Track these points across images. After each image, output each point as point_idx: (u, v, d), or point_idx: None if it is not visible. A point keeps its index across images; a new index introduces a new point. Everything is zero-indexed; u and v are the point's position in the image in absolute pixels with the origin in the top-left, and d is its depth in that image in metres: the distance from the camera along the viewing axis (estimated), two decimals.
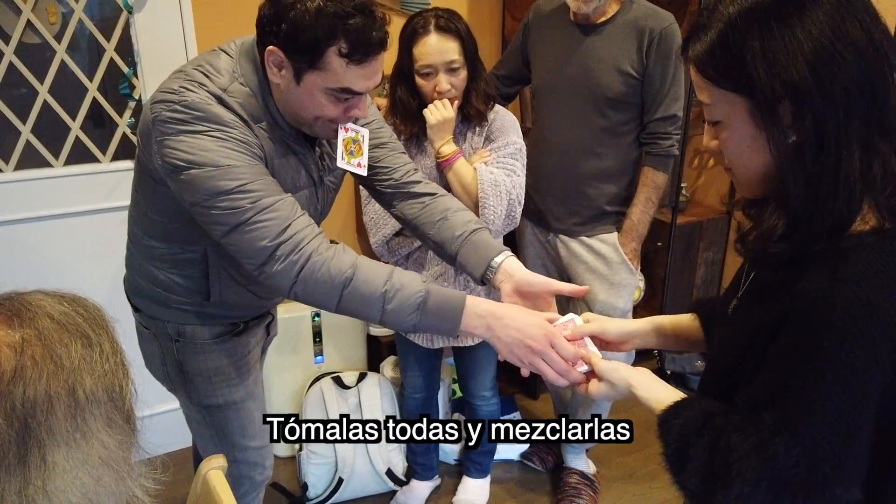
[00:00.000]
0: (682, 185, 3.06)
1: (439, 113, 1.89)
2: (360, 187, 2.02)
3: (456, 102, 1.92)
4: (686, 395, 1.05)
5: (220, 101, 1.28)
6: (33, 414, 0.58)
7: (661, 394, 1.08)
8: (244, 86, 1.31)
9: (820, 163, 0.84)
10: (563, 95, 2.14)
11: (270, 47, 1.25)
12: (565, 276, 2.39)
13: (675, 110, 2.07)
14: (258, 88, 1.32)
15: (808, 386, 0.85)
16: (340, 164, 1.41)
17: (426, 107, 1.93)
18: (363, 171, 1.45)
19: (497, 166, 1.93)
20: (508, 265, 1.43)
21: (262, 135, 1.33)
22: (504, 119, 2.02)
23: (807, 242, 0.87)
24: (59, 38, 2.22)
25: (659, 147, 2.09)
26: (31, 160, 2.28)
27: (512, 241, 2.39)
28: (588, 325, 1.28)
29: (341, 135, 1.38)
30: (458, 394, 2.77)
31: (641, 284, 3.11)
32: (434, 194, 1.58)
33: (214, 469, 1.19)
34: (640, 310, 3.29)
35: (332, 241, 1.35)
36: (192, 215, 1.32)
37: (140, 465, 0.68)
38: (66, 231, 2.35)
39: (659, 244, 3.09)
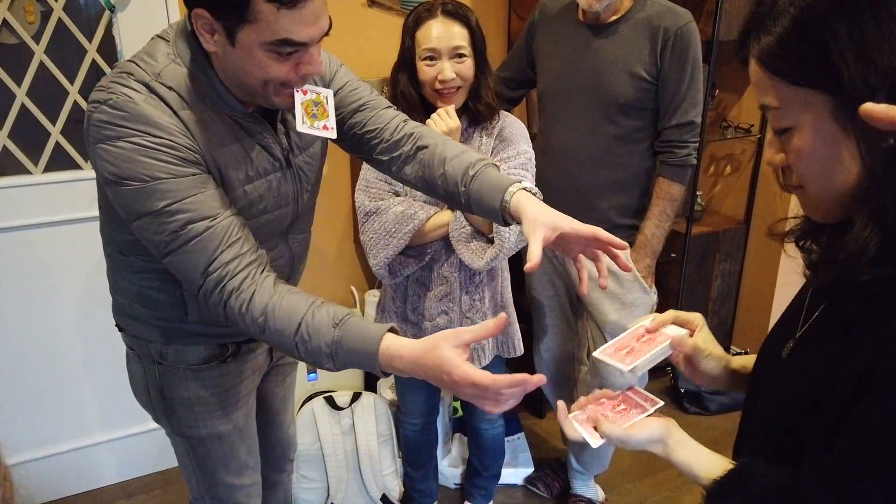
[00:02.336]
0: (698, 193, 2.92)
1: (443, 123, 1.76)
2: (356, 203, 1.88)
3: (453, 107, 1.79)
4: (736, 462, 0.89)
5: (150, 90, 1.16)
6: None
7: (704, 457, 0.91)
8: (181, 66, 1.19)
9: None
10: (571, 100, 2.00)
11: (196, 10, 1.12)
12: (574, 294, 2.24)
13: (693, 116, 1.92)
14: (196, 65, 1.20)
15: None
16: (302, 128, 1.24)
17: (427, 99, 1.82)
18: (332, 134, 1.29)
19: None
20: (514, 208, 1.26)
21: (201, 121, 1.19)
22: (512, 127, 1.89)
23: None
24: (37, 38, 2.10)
25: (675, 156, 1.94)
26: (8, 167, 2.17)
27: (519, 255, 2.25)
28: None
29: (299, 98, 1.22)
30: (460, 412, 2.63)
31: (655, 297, 2.96)
32: (426, 147, 1.41)
33: None
34: None
35: (264, 269, 1.21)
36: None
37: None
38: (47, 241, 2.24)
39: (673, 255, 2.95)
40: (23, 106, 2.13)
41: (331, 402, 2.32)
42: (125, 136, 1.13)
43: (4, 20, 2.05)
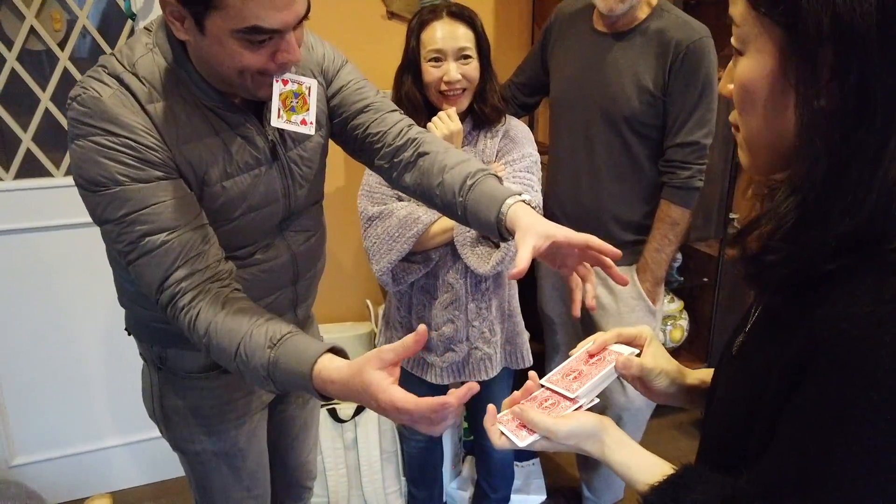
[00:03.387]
0: (734, 216, 2.78)
1: (445, 126, 1.73)
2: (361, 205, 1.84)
3: (454, 109, 1.76)
4: (675, 465, 0.81)
5: (120, 83, 1.11)
6: None
7: (644, 460, 0.84)
8: (158, 55, 1.14)
9: (855, 143, 0.62)
10: (579, 110, 1.93)
11: None
12: (584, 311, 2.15)
13: (699, 137, 1.81)
14: (173, 55, 1.14)
15: (850, 460, 0.62)
16: (276, 122, 1.16)
17: (432, 101, 1.80)
18: (309, 130, 1.19)
19: (513, 181, 1.75)
20: (510, 220, 1.16)
21: (172, 115, 1.13)
22: (518, 129, 1.85)
23: (817, 255, 0.65)
24: (62, 45, 2.17)
25: (677, 177, 1.84)
26: (31, 169, 2.23)
27: (530, 268, 2.18)
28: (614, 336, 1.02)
29: (277, 88, 1.14)
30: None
31: (684, 324, 2.84)
32: (427, 154, 1.32)
33: None
34: (683, 352, 3.01)
35: (219, 281, 1.16)
36: None
37: None
38: (67, 242, 2.29)
39: (705, 280, 2.82)
40: (46, 111, 2.19)
41: (333, 414, 2.29)
42: (88, 135, 1.08)
43: (32, 27, 2.12)
